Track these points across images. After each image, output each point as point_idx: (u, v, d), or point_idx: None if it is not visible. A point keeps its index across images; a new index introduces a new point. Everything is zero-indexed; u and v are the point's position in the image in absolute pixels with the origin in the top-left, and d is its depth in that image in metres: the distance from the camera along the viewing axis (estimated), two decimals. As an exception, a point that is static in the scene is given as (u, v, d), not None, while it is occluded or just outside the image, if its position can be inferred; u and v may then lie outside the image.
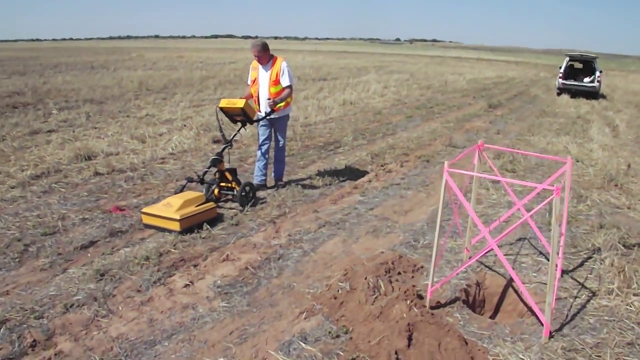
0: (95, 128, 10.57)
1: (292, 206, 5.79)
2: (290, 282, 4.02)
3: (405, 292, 3.45)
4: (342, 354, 3.00)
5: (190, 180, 5.67)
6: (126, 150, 8.40)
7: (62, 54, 45.44)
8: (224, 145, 5.78)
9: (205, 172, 5.72)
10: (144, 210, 5.11)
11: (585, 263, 4.48)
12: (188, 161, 7.77)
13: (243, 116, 5.72)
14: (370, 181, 6.81)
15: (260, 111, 6.09)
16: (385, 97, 16.74)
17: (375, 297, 3.40)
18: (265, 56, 5.90)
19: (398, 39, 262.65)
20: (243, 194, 5.60)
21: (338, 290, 3.70)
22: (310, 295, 3.77)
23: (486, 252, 3.56)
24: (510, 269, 3.27)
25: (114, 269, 4.19)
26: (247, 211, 5.55)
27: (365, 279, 3.67)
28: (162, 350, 3.14)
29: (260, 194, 6.19)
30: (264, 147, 6.28)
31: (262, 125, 6.24)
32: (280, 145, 6.38)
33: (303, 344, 3.13)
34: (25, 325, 3.38)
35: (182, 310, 3.64)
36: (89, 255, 4.51)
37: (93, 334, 3.33)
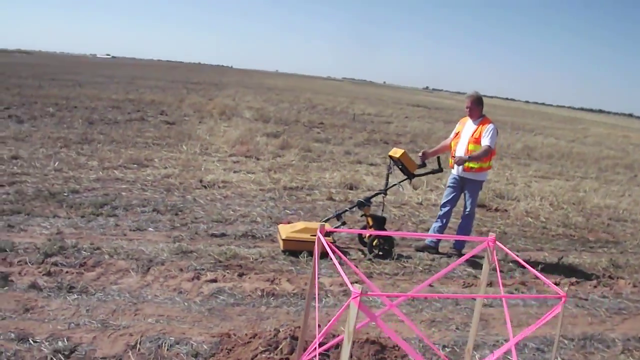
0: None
1: (417, 273, 5.64)
2: (260, 316, 4.31)
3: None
4: None
5: (337, 214, 6.34)
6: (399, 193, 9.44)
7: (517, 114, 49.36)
8: (377, 192, 6.24)
9: (345, 211, 6.32)
10: (280, 224, 6.21)
11: None
12: (420, 214, 8.18)
13: (401, 167, 6.06)
14: (573, 284, 5.67)
15: (453, 167, 6.22)
16: None
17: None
18: (476, 111, 6.06)
19: None
20: (374, 242, 5.91)
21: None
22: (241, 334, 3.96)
23: None
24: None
25: (195, 253, 5.48)
26: (367, 259, 5.83)
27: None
28: (109, 310, 4.23)
29: (417, 253, 6.22)
30: (444, 210, 6.28)
31: (449, 185, 6.29)
32: (467, 212, 6.22)
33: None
34: (86, 254, 5.10)
35: (172, 290, 4.58)
36: (207, 242, 5.93)
37: (103, 278, 4.71)
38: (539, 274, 2.80)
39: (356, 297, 2.33)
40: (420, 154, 6.30)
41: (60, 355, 3.42)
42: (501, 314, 4.77)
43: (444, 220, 6.27)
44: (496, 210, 8.79)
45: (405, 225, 7.41)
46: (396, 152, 6.11)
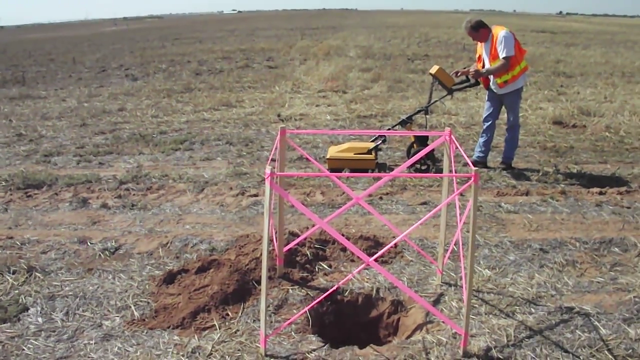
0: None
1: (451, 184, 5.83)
2: (284, 222, 4.86)
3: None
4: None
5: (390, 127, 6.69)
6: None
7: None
8: (419, 110, 6.45)
9: (389, 128, 6.63)
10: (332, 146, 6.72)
11: None
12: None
13: (439, 83, 6.20)
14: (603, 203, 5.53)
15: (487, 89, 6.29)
16: None
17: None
18: (478, 35, 6.00)
19: None
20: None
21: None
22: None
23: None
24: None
25: (248, 175, 6.16)
26: (411, 171, 6.15)
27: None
28: (157, 221, 5.03)
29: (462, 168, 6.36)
30: (486, 124, 6.31)
31: (488, 99, 6.33)
32: (510, 123, 6.24)
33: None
34: (155, 180, 5.99)
35: (215, 204, 5.28)
36: (264, 165, 6.58)
37: (162, 198, 5.54)
38: (469, 161, 3.04)
39: (268, 177, 2.80)
40: (453, 73, 6.33)
41: (107, 252, 4.24)
42: (522, 220, 4.89)
43: (488, 134, 6.31)
44: (573, 126, 8.45)
45: (466, 143, 7.49)
46: (433, 68, 6.23)
